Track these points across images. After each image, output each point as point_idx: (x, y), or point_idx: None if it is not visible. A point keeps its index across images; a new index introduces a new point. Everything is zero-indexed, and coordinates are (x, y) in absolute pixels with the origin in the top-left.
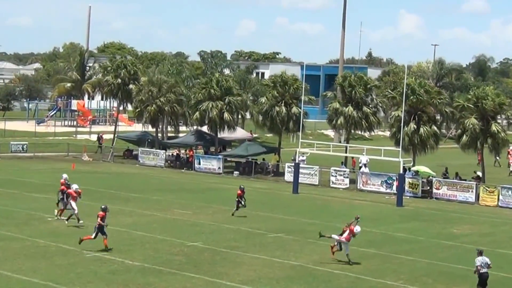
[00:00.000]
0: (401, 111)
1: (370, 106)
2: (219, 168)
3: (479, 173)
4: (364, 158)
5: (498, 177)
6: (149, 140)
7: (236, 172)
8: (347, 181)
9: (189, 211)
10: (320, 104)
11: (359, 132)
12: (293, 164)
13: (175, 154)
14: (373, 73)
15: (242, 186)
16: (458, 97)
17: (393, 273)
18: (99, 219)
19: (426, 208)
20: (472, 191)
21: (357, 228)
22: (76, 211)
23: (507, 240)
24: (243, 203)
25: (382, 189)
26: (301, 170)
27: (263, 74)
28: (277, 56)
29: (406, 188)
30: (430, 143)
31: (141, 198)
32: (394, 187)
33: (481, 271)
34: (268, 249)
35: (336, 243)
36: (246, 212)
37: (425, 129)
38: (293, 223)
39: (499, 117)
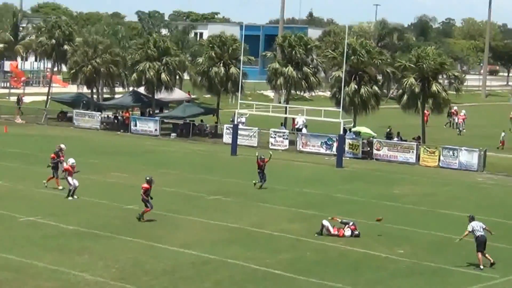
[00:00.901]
0: (342, 72)
1: (311, 66)
2: (156, 130)
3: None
4: (300, 120)
5: (446, 137)
6: (84, 102)
7: (173, 134)
8: (286, 142)
9: (126, 174)
10: (259, 64)
11: (299, 93)
12: (231, 126)
13: (111, 116)
14: (314, 33)
15: (262, 157)
16: (400, 57)
17: None
18: (142, 191)
19: (366, 169)
20: (412, 152)
21: (347, 232)
22: (73, 186)
23: (448, 201)
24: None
25: (322, 150)
26: (240, 132)
27: (201, 34)
28: (216, 16)
29: (346, 149)
30: (371, 104)
31: (77, 161)
32: (334, 148)
33: (478, 234)
34: (207, 212)
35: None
36: (184, 175)
37: (366, 89)
38: (232, 185)
39: (440, 77)
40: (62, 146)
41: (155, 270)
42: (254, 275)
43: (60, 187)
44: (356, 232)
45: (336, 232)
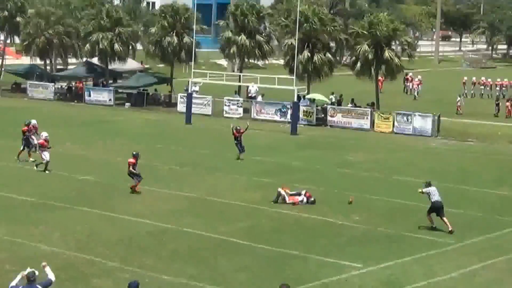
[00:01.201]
0: (295, 39)
1: (263, 34)
2: (110, 100)
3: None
4: (253, 88)
5: (401, 103)
6: (38, 73)
7: (127, 104)
8: (240, 110)
9: (81, 145)
10: (212, 33)
11: (253, 61)
12: (185, 95)
13: (64, 86)
14: (266, 1)
15: (238, 127)
16: (353, 24)
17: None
18: (130, 167)
19: (321, 136)
20: (367, 118)
21: (301, 198)
22: (45, 161)
23: (402, 166)
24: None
25: (277, 118)
26: (194, 100)
27: (153, 4)
28: None
29: (301, 116)
30: (324, 71)
31: None
32: (289, 116)
33: (434, 199)
34: (162, 181)
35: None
36: (139, 145)
37: (319, 56)
38: (187, 154)
39: (393, 43)
40: (33, 121)
41: (112, 240)
42: (210, 243)
43: (31, 159)
44: (312, 199)
45: (291, 200)
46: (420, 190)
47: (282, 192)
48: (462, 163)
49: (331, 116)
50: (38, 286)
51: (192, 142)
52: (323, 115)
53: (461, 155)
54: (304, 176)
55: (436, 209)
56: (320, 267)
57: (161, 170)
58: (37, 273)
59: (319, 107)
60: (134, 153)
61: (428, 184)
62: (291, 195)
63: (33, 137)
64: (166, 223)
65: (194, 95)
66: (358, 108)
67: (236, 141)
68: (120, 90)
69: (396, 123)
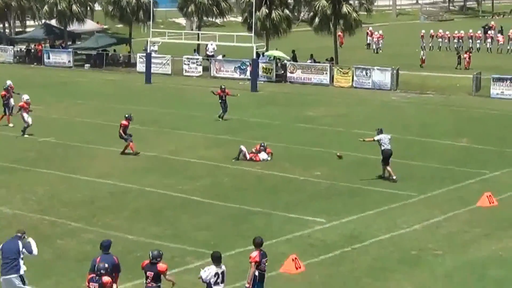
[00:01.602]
0: None
1: None
2: (69, 61)
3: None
4: (211, 46)
5: (362, 57)
6: None
7: (87, 65)
8: (200, 68)
9: (41, 107)
10: None
11: (211, 19)
12: (144, 54)
13: (23, 49)
14: None
15: (223, 86)
16: None
17: None
18: (121, 128)
19: (281, 92)
20: (326, 73)
21: (262, 155)
22: (27, 124)
23: (362, 120)
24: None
25: (236, 75)
26: (153, 60)
27: None
28: None
29: (260, 73)
30: (282, 27)
31: None
32: (248, 73)
33: (383, 148)
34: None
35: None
36: (99, 105)
37: (277, 13)
38: (147, 113)
39: None
40: (9, 82)
41: (73, 201)
42: (172, 202)
43: (11, 125)
44: (270, 155)
45: (252, 157)
46: (362, 139)
47: (244, 149)
48: (421, 116)
49: (291, 72)
50: (19, 242)
51: (152, 101)
52: (282, 72)
53: (420, 108)
54: (264, 133)
55: (385, 157)
56: (283, 223)
57: None
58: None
59: (278, 64)
60: (127, 115)
61: (380, 132)
62: (253, 152)
63: (11, 99)
64: (128, 183)
65: (153, 54)
66: (317, 64)
67: (220, 100)
68: (79, 52)
69: (355, 78)
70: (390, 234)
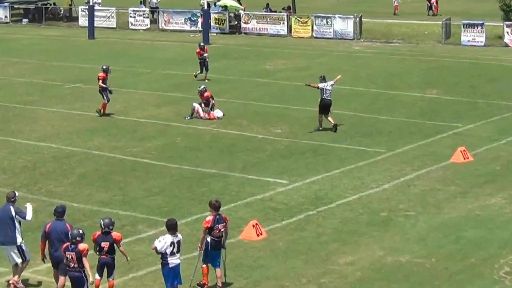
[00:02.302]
0: None
1: None
2: (6, 17)
3: None
4: None
5: (321, 5)
6: None
7: (25, 20)
8: (147, 21)
9: None
10: None
11: None
12: (87, 7)
13: None
14: None
15: (202, 44)
16: None
17: None
18: (100, 81)
19: (235, 44)
20: (283, 23)
21: (217, 113)
22: None
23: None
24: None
25: (187, 27)
26: (96, 13)
27: None
28: None
29: (212, 24)
30: None
31: None
32: (199, 24)
33: (323, 96)
34: (66, 101)
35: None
36: (39, 63)
37: None
38: (92, 71)
39: None
40: None
41: (14, 167)
42: (121, 165)
43: None
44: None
45: (206, 116)
46: (308, 83)
47: (196, 106)
48: (387, 66)
49: (245, 23)
50: (11, 207)
51: (96, 57)
52: (236, 22)
53: (386, 58)
54: (218, 89)
55: (323, 107)
56: (242, 185)
57: (64, 89)
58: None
59: (231, 14)
60: (104, 67)
61: (323, 79)
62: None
63: None
64: (73, 146)
65: (96, 7)
66: (274, 13)
67: (200, 59)
68: (16, 6)
69: (315, 27)
70: (358, 195)
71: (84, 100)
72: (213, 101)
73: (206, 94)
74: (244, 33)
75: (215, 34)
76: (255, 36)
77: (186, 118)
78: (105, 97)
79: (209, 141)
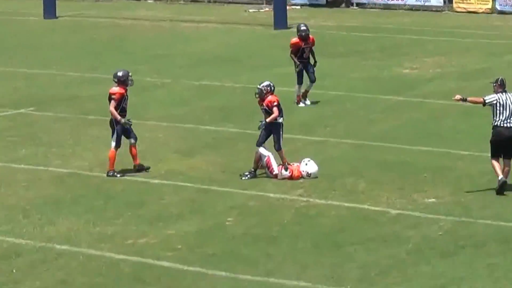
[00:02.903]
0: None
1: None
2: None
3: None
4: None
5: None
6: None
7: None
8: None
9: None
10: None
11: None
12: None
13: None
14: None
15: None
16: None
17: None
18: (113, 104)
19: (339, 27)
20: None
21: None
22: None
23: None
24: None
25: None
26: None
27: None
28: None
29: None
30: None
31: None
32: None
33: (499, 123)
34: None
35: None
36: None
37: None
38: (52, 83)
39: None
40: None
41: None
42: (113, 275)
43: None
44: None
45: (285, 173)
46: (461, 97)
47: (266, 153)
48: None
49: None
50: None
51: (61, 55)
52: None
53: None
54: (310, 116)
55: (498, 144)
56: None
57: None
58: None
59: None
60: (120, 73)
61: (500, 85)
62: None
63: None
64: (17, 236)
65: None
66: None
67: (301, 60)
68: None
69: None
70: None
71: (39, 143)
72: (276, 113)
73: (269, 97)
74: (357, 4)
75: (298, 7)
76: (378, 10)
77: (244, 178)
78: (115, 139)
79: (291, 225)
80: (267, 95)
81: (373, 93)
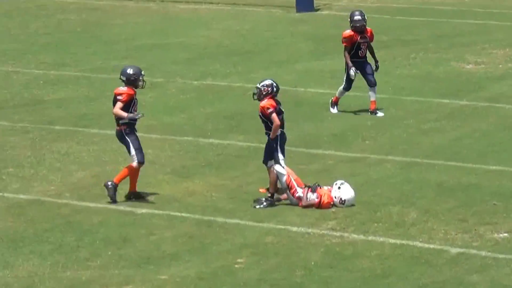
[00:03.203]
0: None
1: None
2: None
3: None
4: None
5: None
6: None
7: None
8: None
9: None
10: None
11: None
12: None
13: None
14: None
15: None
16: None
17: None
18: (119, 105)
19: (381, 9)
20: None
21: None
22: None
23: None
24: None
25: None
26: None
27: None
28: None
29: None
30: None
31: None
32: None
33: None
34: None
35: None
36: None
37: None
38: None
39: None
40: None
41: None
42: None
43: None
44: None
45: (312, 197)
46: None
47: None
48: None
49: None
50: None
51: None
52: None
53: None
54: (342, 127)
55: None
56: None
57: None
58: None
59: None
60: (130, 71)
61: None
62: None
63: None
64: None
65: None
66: None
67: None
68: None
69: None
70: None
71: None
72: (278, 122)
73: (264, 102)
74: None
75: None
76: None
77: (258, 206)
78: (135, 151)
79: (320, 268)
80: (265, 98)
81: (426, 96)
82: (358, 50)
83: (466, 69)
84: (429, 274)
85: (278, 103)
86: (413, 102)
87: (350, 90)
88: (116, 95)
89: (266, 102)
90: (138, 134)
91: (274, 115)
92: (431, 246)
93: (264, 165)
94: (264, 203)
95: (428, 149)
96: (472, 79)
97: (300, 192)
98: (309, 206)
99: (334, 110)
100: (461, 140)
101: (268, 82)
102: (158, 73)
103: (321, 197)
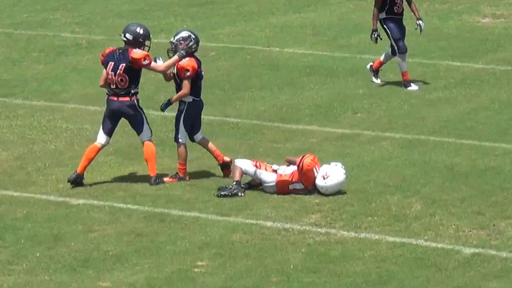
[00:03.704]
0: None
1: None
2: None
3: None
4: None
5: None
6: None
7: None
8: None
9: None
10: None
11: None
12: None
13: None
14: None
15: None
16: None
17: None
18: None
19: None
20: None
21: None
22: None
23: None
24: None
25: None
26: None
27: None
28: None
29: None
30: None
31: None
32: None
33: None
34: None
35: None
36: None
37: None
38: None
39: None
40: None
41: None
42: None
43: None
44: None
45: (271, 178)
46: None
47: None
48: None
49: None
50: None
51: None
52: None
53: None
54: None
55: None
56: None
57: None
58: None
59: None
60: (139, 30)
61: None
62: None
63: None
64: None
65: None
66: None
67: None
68: None
69: None
70: None
71: None
72: (186, 90)
73: (183, 61)
74: None
75: None
76: None
77: (222, 193)
78: (146, 124)
79: (300, 272)
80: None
81: (432, 58)
82: (393, 4)
83: (481, 23)
84: (436, 280)
85: (199, 64)
86: (417, 65)
87: (338, 51)
88: (133, 59)
89: (186, 62)
90: (71, 105)
91: (187, 82)
92: (439, 245)
93: (225, 143)
94: (231, 191)
95: (435, 124)
96: (489, 37)
97: (275, 166)
98: (290, 179)
99: (377, 81)
100: (476, 113)
101: (185, 34)
102: (98, 29)
103: (302, 157)
